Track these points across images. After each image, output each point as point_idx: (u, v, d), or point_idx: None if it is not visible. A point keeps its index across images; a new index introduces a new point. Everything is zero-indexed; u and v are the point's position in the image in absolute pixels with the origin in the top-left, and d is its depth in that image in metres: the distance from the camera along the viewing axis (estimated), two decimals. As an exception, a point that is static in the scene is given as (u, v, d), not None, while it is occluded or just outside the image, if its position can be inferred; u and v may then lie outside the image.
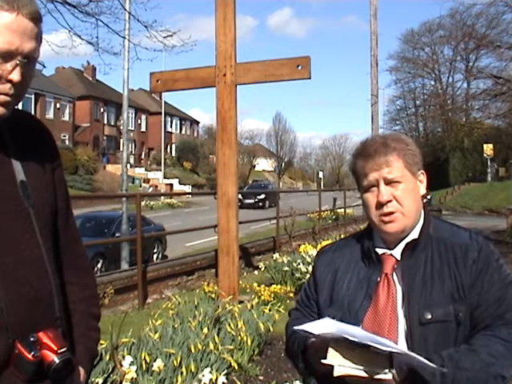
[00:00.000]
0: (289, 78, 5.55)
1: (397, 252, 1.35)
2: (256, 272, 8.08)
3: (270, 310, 4.92)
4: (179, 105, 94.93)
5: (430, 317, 1.24)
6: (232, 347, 3.97)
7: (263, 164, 68.25)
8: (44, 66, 1.19)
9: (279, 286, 6.33)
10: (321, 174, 63.71)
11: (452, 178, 40.22)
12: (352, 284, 1.38)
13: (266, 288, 6.09)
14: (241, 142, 59.77)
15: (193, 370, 3.43)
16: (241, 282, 6.18)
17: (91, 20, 8.54)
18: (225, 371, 3.70)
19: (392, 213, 1.30)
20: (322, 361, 1.17)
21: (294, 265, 7.00)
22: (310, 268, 6.65)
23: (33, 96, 39.75)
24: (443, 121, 42.73)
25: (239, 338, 4.21)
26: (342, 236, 11.16)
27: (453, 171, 40.90)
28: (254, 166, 62.71)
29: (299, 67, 5.35)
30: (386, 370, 1.15)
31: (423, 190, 1.36)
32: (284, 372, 4.24)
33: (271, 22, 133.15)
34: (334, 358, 1.17)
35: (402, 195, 1.31)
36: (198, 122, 66.72)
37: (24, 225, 1.13)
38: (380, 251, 1.36)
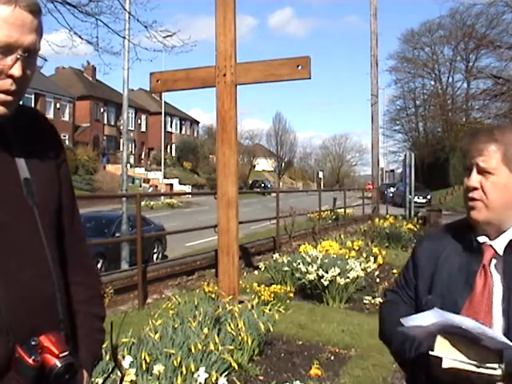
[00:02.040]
0: (289, 77, 5.54)
1: (497, 244, 1.33)
2: (256, 272, 8.07)
3: (270, 310, 4.91)
4: (179, 105, 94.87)
5: None
6: (232, 347, 3.97)
7: (263, 164, 68.23)
8: (45, 60, 1.15)
9: (279, 286, 6.32)
10: (321, 174, 63.70)
11: (452, 178, 40.17)
12: (453, 273, 1.38)
13: (266, 288, 6.08)
14: (241, 142, 59.76)
15: (193, 370, 3.43)
16: (241, 282, 6.18)
17: (91, 20, 8.55)
18: (225, 371, 3.71)
19: (475, 200, 1.31)
20: (430, 352, 1.17)
21: (294, 265, 6.99)
22: (310, 268, 6.65)
23: (33, 96, 39.73)
24: (443, 121, 42.67)
25: (239, 337, 4.21)
26: (342, 236, 11.17)
27: (453, 171, 40.86)
28: (254, 166, 62.69)
29: (299, 67, 5.34)
30: (496, 366, 1.11)
31: None
32: (284, 372, 4.24)
33: (271, 21, 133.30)
34: (442, 349, 1.15)
35: (489, 186, 1.30)
36: (198, 122, 66.70)
37: (28, 224, 1.10)
38: (481, 240, 1.35)
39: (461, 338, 1.13)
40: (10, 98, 1.05)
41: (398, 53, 51.16)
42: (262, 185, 50.33)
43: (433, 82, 52.31)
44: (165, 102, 48.08)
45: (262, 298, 5.76)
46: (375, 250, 9.65)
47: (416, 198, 23.41)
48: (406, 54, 50.83)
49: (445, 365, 1.13)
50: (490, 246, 1.34)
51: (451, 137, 43.34)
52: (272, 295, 5.92)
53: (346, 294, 6.63)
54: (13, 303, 1.04)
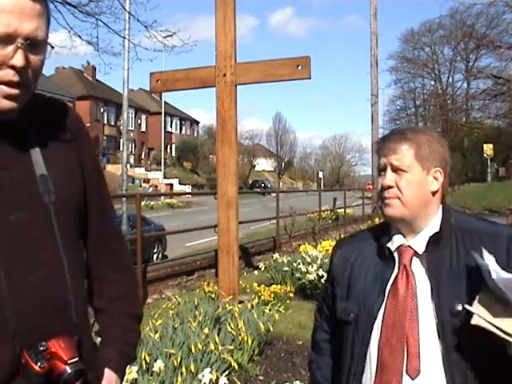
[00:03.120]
0: (289, 77, 5.55)
1: (415, 244, 1.35)
2: (256, 272, 8.07)
3: (270, 310, 4.91)
4: (179, 105, 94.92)
5: (460, 308, 1.24)
6: (232, 347, 3.97)
7: (263, 164, 68.24)
8: (52, 47, 1.08)
9: (279, 286, 6.33)
10: (321, 174, 63.72)
11: (452, 178, 40.15)
12: (368, 279, 1.39)
13: (266, 288, 6.09)
14: (241, 142, 59.75)
15: (193, 370, 3.43)
16: (241, 282, 6.18)
17: (91, 20, 8.55)
18: (225, 371, 3.71)
19: (391, 198, 1.33)
20: (465, 306, 1.19)
21: (294, 265, 7.00)
22: (310, 268, 6.66)
23: (33, 96, 39.69)
24: (443, 121, 42.70)
25: (239, 338, 4.21)
26: (342, 236, 11.17)
27: (452, 171, 40.62)
28: (254, 166, 62.69)
29: (299, 67, 5.34)
30: None
31: (435, 187, 1.35)
32: (284, 372, 4.24)
33: (272, 21, 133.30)
34: (478, 307, 1.16)
35: (404, 184, 1.32)
36: (197, 122, 66.71)
37: (42, 223, 1.06)
38: (397, 243, 1.37)
39: (500, 302, 1.14)
40: (14, 90, 1.00)
41: (397, 53, 51.21)
42: (262, 185, 50.34)
43: (433, 82, 52.39)
44: (165, 102, 48.08)
45: (262, 298, 5.76)
46: (375, 249, 9.66)
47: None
48: (406, 54, 50.90)
49: (473, 321, 1.16)
50: (409, 246, 1.35)
51: (451, 137, 43.33)
52: (272, 295, 5.92)
53: (346, 294, 6.63)
54: (20, 307, 1.00)
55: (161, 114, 47.12)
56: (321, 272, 6.49)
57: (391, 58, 53.88)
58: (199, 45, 10.84)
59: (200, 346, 3.72)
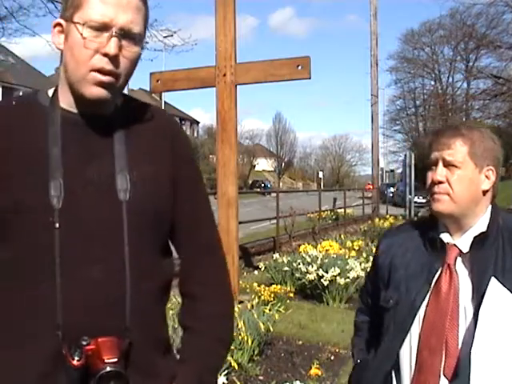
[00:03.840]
0: (289, 78, 5.54)
1: (461, 243, 1.33)
2: (256, 272, 8.07)
3: (270, 310, 4.91)
4: (179, 105, 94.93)
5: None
6: (232, 347, 3.97)
7: (263, 164, 68.23)
8: (146, 42, 1.13)
9: (279, 286, 6.33)
10: (321, 174, 63.69)
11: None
12: (411, 269, 1.37)
13: (266, 288, 6.09)
14: (241, 141, 59.75)
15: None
16: (241, 282, 6.18)
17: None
18: (225, 371, 3.70)
19: (441, 193, 1.31)
20: None
21: (294, 265, 6.99)
22: (310, 268, 6.65)
23: (33, 96, 39.68)
24: (443, 121, 42.64)
25: (239, 337, 4.21)
26: (342, 236, 11.17)
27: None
28: (254, 166, 62.69)
29: (299, 67, 5.34)
30: None
31: (486, 186, 1.33)
32: (284, 372, 4.24)
33: (272, 21, 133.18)
34: None
35: (456, 180, 1.30)
36: (197, 122, 66.73)
37: (111, 219, 1.04)
38: (444, 240, 1.35)
39: None
40: (106, 78, 1.03)
41: (397, 53, 51.17)
42: (262, 185, 50.33)
43: (433, 82, 52.35)
44: (165, 102, 48.07)
45: (262, 298, 5.76)
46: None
47: (416, 197, 23.40)
48: (406, 54, 50.86)
49: None
50: (454, 245, 1.34)
51: (451, 137, 43.14)
52: (272, 295, 5.92)
53: (346, 294, 6.63)
54: (70, 299, 0.99)
55: (161, 113, 47.04)
56: (321, 272, 6.48)
57: (391, 58, 53.70)
58: (199, 44, 10.87)
59: (200, 346, 3.72)
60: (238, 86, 5.63)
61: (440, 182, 1.31)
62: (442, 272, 1.32)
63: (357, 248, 9.34)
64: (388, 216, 15.74)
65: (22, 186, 1.02)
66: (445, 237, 1.35)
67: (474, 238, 1.31)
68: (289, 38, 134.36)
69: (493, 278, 1.24)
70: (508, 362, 1.17)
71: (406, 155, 20.04)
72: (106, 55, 1.02)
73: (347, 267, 6.64)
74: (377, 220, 14.51)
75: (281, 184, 63.61)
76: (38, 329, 1.00)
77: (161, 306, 1.16)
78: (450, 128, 1.36)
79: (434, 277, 1.33)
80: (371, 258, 6.21)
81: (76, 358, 0.96)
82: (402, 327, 1.33)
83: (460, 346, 1.24)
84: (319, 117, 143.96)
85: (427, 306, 1.31)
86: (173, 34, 9.66)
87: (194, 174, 1.21)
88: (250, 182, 53.33)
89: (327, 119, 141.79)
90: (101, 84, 1.03)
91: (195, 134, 63.72)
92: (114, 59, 1.02)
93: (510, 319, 1.19)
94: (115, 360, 0.97)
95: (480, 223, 1.33)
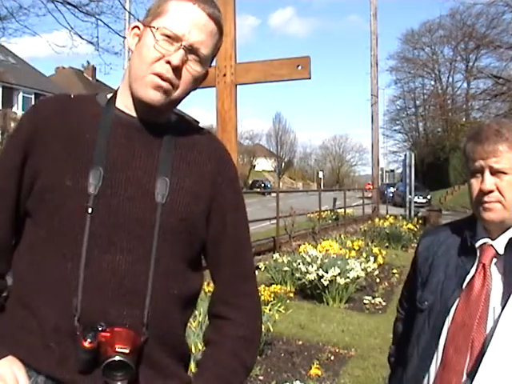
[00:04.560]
0: (289, 78, 5.54)
1: (497, 244, 1.32)
2: (256, 272, 8.07)
3: (270, 310, 4.91)
4: (179, 105, 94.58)
5: None
6: (232, 347, 3.96)
7: (263, 164, 68.23)
8: (211, 66, 1.19)
9: (279, 286, 6.32)
10: (321, 174, 63.69)
11: (452, 178, 40.21)
12: (448, 271, 1.37)
13: (266, 288, 6.08)
14: (241, 142, 59.77)
15: (193, 370, 3.43)
16: (241, 282, 6.18)
17: (92, 20, 8.57)
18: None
19: (492, 202, 1.28)
20: None
21: (294, 265, 6.99)
22: (310, 268, 6.65)
23: (33, 96, 39.73)
24: (443, 121, 42.75)
25: (239, 338, 4.20)
26: (342, 236, 11.17)
27: (453, 171, 40.90)
28: (254, 166, 62.69)
29: (299, 67, 5.34)
30: None
31: None
32: (284, 372, 4.24)
33: (273, 21, 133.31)
34: None
35: (506, 186, 1.28)
36: (198, 122, 66.63)
37: (145, 217, 1.07)
38: (480, 242, 1.34)
39: None
40: (164, 83, 1.07)
41: (397, 53, 51.27)
42: (262, 185, 50.32)
43: (433, 82, 52.40)
44: (165, 102, 48.06)
45: (262, 298, 5.75)
46: (375, 250, 9.66)
47: (416, 198, 23.43)
48: (406, 54, 50.93)
49: None
50: (491, 245, 1.32)
51: (451, 137, 43.40)
52: (272, 295, 5.92)
53: (346, 294, 6.63)
54: (91, 284, 1.02)
55: (161, 113, 47.09)
56: (321, 272, 6.48)
57: (391, 58, 53.91)
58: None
59: (200, 346, 3.72)
60: (238, 86, 5.63)
61: (490, 191, 1.29)
62: (476, 272, 1.31)
63: (357, 248, 9.34)
64: (388, 216, 15.73)
65: (64, 169, 1.07)
66: (482, 236, 1.35)
67: (510, 239, 1.30)
68: (289, 37, 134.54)
69: None
70: None
71: (405, 155, 20.05)
72: (168, 63, 1.07)
73: (347, 267, 6.64)
74: (377, 220, 14.51)
75: (281, 184, 63.60)
76: (56, 306, 1.03)
77: (183, 315, 1.17)
78: (491, 133, 1.31)
79: (464, 280, 1.32)
80: (371, 258, 6.22)
81: (88, 340, 0.98)
82: (435, 330, 1.33)
83: (485, 346, 1.23)
84: (319, 117, 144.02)
85: (458, 304, 1.31)
86: (173, 33, 9.64)
87: (236, 199, 1.23)
88: (250, 182, 53.31)
89: (327, 119, 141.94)
90: (157, 88, 1.08)
91: (195, 134, 63.61)
92: (175, 69, 1.08)
93: None
94: (127, 351, 0.98)
95: None
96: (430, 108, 50.13)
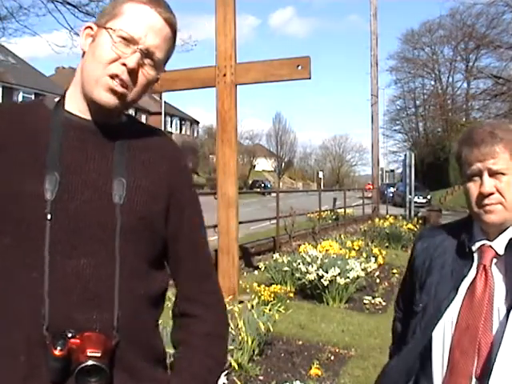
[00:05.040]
0: (289, 78, 5.54)
1: (496, 245, 1.32)
2: (256, 272, 8.07)
3: (270, 310, 4.91)
4: (179, 105, 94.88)
5: None
6: (232, 347, 3.97)
7: (263, 164, 68.22)
8: (164, 71, 1.20)
9: (279, 286, 6.32)
10: (321, 174, 63.68)
11: (452, 178, 40.20)
12: (443, 273, 1.37)
13: (266, 288, 6.08)
14: (241, 141, 59.75)
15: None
16: (241, 282, 6.18)
17: (92, 20, 8.55)
18: (225, 371, 3.70)
19: (493, 204, 1.28)
20: None
21: (294, 265, 6.99)
22: (310, 268, 6.65)
23: (33, 96, 39.69)
24: (443, 121, 42.76)
25: (239, 337, 4.21)
26: (342, 236, 11.17)
27: (453, 171, 40.86)
28: (254, 166, 62.69)
29: (299, 67, 5.34)
30: None
31: None
32: (284, 372, 4.24)
33: (273, 21, 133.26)
34: None
35: (505, 188, 1.28)
36: (197, 122, 66.72)
37: (104, 218, 1.07)
38: (478, 244, 1.34)
39: None
40: (118, 86, 1.07)
41: (397, 53, 51.27)
42: (262, 185, 50.31)
43: (433, 82, 52.41)
44: (165, 102, 48.09)
45: (262, 298, 5.76)
46: (375, 250, 9.66)
47: (416, 198, 23.42)
48: (406, 54, 50.94)
49: None
50: (490, 246, 1.32)
51: (451, 137, 43.36)
52: (272, 295, 5.92)
53: (346, 294, 6.63)
54: (56, 290, 1.01)
55: (161, 114, 47.14)
56: (321, 272, 6.48)
57: (391, 58, 53.80)
58: (199, 45, 10.86)
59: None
60: (238, 86, 5.63)
61: (490, 194, 1.28)
62: (477, 274, 1.31)
63: (357, 248, 9.34)
64: (388, 216, 15.72)
65: (21, 176, 1.06)
66: (480, 238, 1.34)
67: (510, 240, 1.30)
68: (289, 37, 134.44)
69: None
70: None
71: (406, 155, 20.05)
72: (124, 65, 1.07)
73: (347, 267, 6.64)
74: (377, 220, 14.50)
75: (281, 184, 63.59)
76: (24, 316, 1.02)
77: (152, 315, 1.17)
78: (484, 134, 1.30)
79: (461, 283, 1.32)
80: (372, 259, 6.22)
81: (58, 348, 0.96)
82: (425, 332, 1.33)
83: (493, 348, 1.23)
84: (319, 117, 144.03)
85: (461, 307, 1.30)
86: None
87: (192, 198, 1.24)
88: (250, 182, 53.31)
89: (327, 119, 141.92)
90: (112, 91, 1.07)
91: (195, 134, 63.70)
92: (131, 72, 1.08)
93: None
94: (98, 355, 0.97)
95: None
96: (430, 108, 50.13)
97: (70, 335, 0.98)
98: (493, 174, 1.28)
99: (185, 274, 1.22)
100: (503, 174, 1.28)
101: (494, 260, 1.31)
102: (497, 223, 1.30)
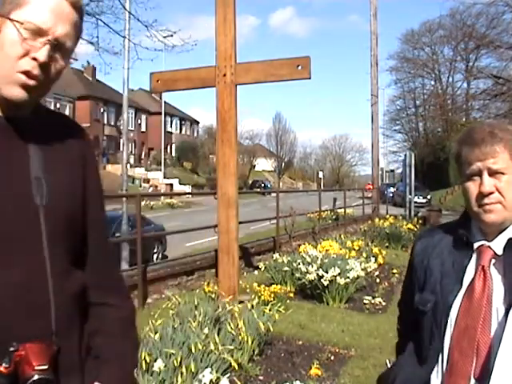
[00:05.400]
0: (289, 78, 5.54)
1: (495, 245, 1.32)
2: (256, 272, 8.07)
3: (270, 310, 4.91)
4: (179, 105, 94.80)
5: None
6: (232, 347, 3.97)
7: (263, 164, 68.21)
8: (75, 59, 1.15)
9: (279, 286, 6.32)
10: (321, 174, 63.69)
11: (452, 178, 40.19)
12: (445, 269, 1.37)
13: (266, 288, 6.08)
14: (241, 141, 59.74)
15: (193, 370, 3.43)
16: (241, 282, 6.18)
17: (92, 20, 8.55)
18: (225, 371, 3.70)
19: (493, 203, 1.28)
20: None
21: (294, 265, 6.99)
22: (310, 268, 6.65)
23: (33, 96, 39.72)
24: (443, 121, 42.76)
25: (239, 337, 4.21)
26: (342, 236, 11.16)
27: (453, 171, 40.87)
28: (254, 166, 62.68)
29: (299, 67, 5.34)
30: None
31: None
32: (284, 372, 4.24)
33: (273, 21, 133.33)
34: None
35: (505, 187, 1.28)
36: (197, 122, 66.71)
37: (29, 223, 1.03)
38: (476, 244, 1.34)
39: None
40: (30, 81, 1.02)
41: (397, 53, 51.27)
42: (262, 185, 50.34)
43: (433, 82, 52.40)
44: (165, 102, 48.10)
45: (262, 297, 5.76)
46: (375, 250, 9.65)
47: (416, 197, 23.41)
48: (406, 54, 50.94)
49: None
50: (489, 247, 1.32)
51: (451, 137, 43.33)
52: (272, 295, 5.92)
53: (346, 294, 6.62)
54: None
55: (161, 113, 47.16)
56: (321, 272, 6.48)
57: (391, 58, 53.78)
58: (199, 45, 10.85)
59: (200, 346, 3.72)
60: (237, 86, 5.63)
61: (490, 193, 1.28)
62: (475, 274, 1.31)
63: (357, 248, 9.33)
64: (388, 216, 15.71)
65: None
66: (478, 238, 1.35)
67: (509, 239, 1.30)
68: (289, 37, 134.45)
69: None
70: None
71: (405, 155, 20.02)
72: (35, 59, 1.01)
73: (347, 267, 6.64)
74: (377, 220, 14.50)
75: (281, 184, 63.58)
76: None
77: (80, 313, 1.15)
78: (484, 134, 1.30)
79: (464, 274, 1.32)
80: (372, 259, 6.21)
81: (4, 365, 0.94)
82: (441, 328, 1.33)
83: (491, 348, 1.23)
84: (319, 117, 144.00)
85: (460, 307, 1.30)
86: (172, 34, 9.65)
87: (101, 189, 1.24)
88: (250, 182, 53.32)
89: (327, 119, 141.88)
90: (24, 86, 1.02)
91: (195, 134, 63.70)
92: (42, 66, 1.02)
93: None
94: (45, 367, 0.95)
95: None
96: (430, 108, 50.13)
97: (12, 349, 0.95)
98: (493, 173, 1.28)
99: (97, 262, 1.19)
100: (503, 173, 1.28)
101: (493, 260, 1.31)
102: (496, 223, 1.30)
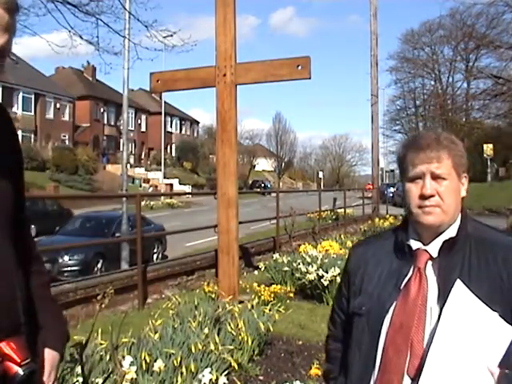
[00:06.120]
0: (289, 78, 5.55)
1: (431, 248, 1.36)
2: (256, 272, 8.07)
3: (270, 310, 4.91)
4: (179, 105, 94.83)
5: None
6: (232, 347, 3.97)
7: (263, 164, 68.22)
8: (15, 61, 1.15)
9: (279, 286, 6.32)
10: (321, 174, 63.71)
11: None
12: (383, 275, 1.41)
13: (266, 288, 6.08)
14: (241, 141, 59.76)
15: (193, 370, 3.43)
16: (241, 282, 6.18)
17: (92, 20, 8.55)
18: (225, 371, 3.70)
19: (432, 206, 1.33)
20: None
21: (294, 265, 6.99)
22: (310, 268, 6.66)
23: (33, 96, 39.73)
24: (443, 121, 42.70)
25: (239, 337, 4.21)
26: (342, 236, 11.17)
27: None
28: (254, 166, 62.69)
29: (299, 67, 5.35)
30: None
31: (464, 193, 1.39)
32: (284, 372, 4.24)
33: (273, 21, 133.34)
34: None
35: (445, 191, 1.33)
36: (197, 122, 66.71)
37: None
38: (414, 246, 1.38)
39: None
40: None
41: (397, 53, 51.13)
42: (262, 185, 50.36)
43: (433, 82, 52.33)
44: (165, 102, 48.09)
45: (262, 297, 5.76)
46: (375, 250, 9.64)
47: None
48: (406, 54, 50.83)
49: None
50: (425, 250, 1.36)
51: (451, 137, 43.13)
52: (272, 295, 5.92)
53: (346, 294, 6.62)
54: None
55: (161, 113, 47.12)
56: (321, 272, 6.48)
57: (391, 58, 53.62)
58: (199, 45, 10.84)
59: (200, 346, 3.72)
60: (237, 86, 5.63)
61: (431, 196, 1.33)
62: (412, 275, 1.35)
63: (357, 248, 9.32)
64: (388, 216, 15.73)
65: None
66: (415, 243, 1.39)
67: (444, 242, 1.35)
68: (289, 37, 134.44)
69: (458, 280, 1.27)
70: (465, 361, 1.19)
71: (405, 155, 19.98)
72: None
73: (347, 267, 6.63)
74: (377, 220, 14.51)
75: (281, 184, 63.59)
76: None
77: (28, 291, 1.18)
78: (430, 140, 1.36)
79: (402, 282, 1.36)
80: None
81: None
82: (374, 332, 1.37)
83: (425, 346, 1.27)
84: (319, 117, 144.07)
85: (394, 309, 1.34)
86: (172, 34, 9.64)
87: (22, 160, 1.25)
88: (250, 182, 53.34)
89: (327, 119, 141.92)
90: None
91: (195, 134, 63.69)
92: None
93: (472, 320, 1.22)
94: (28, 360, 1.00)
95: (451, 229, 1.37)
96: (430, 108, 50.06)
97: None
98: (435, 177, 1.33)
99: (24, 234, 1.24)
100: (444, 178, 1.33)
101: (429, 262, 1.35)
102: (434, 225, 1.34)
